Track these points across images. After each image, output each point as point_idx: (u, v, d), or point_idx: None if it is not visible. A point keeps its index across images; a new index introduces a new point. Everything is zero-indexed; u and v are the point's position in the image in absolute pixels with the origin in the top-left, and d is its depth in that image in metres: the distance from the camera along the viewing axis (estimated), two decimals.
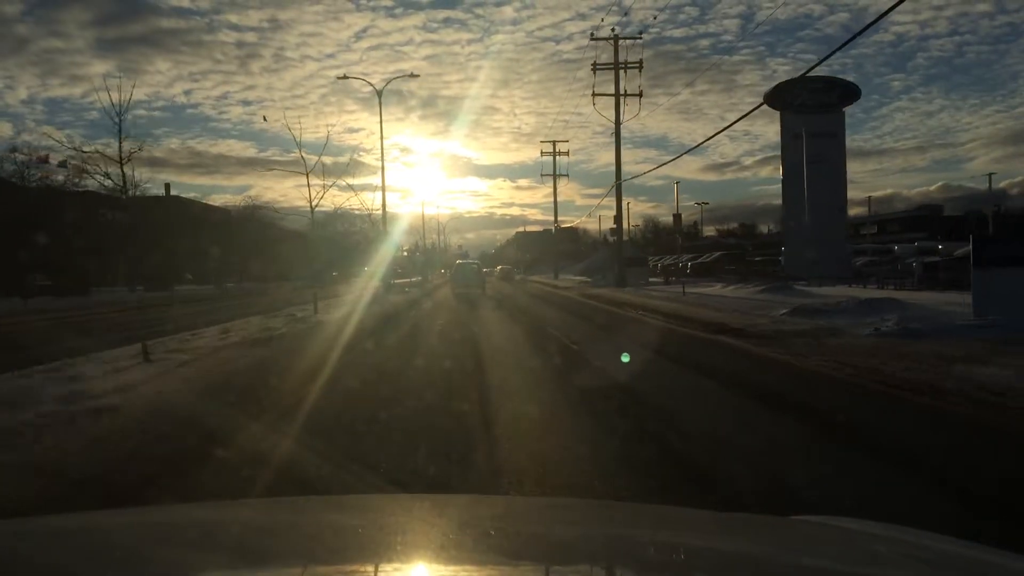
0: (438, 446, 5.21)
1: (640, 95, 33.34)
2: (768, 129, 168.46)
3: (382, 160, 33.24)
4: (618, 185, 34.63)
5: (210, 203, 68.36)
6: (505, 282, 59.66)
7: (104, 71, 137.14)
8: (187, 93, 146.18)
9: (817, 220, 29.17)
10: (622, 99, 33.82)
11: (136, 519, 1.82)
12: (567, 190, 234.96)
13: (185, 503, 3.25)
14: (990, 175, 55.23)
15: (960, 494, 4.28)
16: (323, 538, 1.52)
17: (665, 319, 17.25)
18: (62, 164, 58.56)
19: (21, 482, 4.05)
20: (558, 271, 64.72)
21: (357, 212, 28.35)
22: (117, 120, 31.16)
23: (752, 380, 8.65)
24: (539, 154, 55.41)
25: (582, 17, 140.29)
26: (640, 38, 33.13)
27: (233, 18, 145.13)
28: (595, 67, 33.53)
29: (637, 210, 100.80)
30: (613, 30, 33.14)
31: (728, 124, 70.49)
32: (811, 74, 29.42)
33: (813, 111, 33.70)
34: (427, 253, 76.50)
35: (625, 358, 10.32)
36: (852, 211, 48.53)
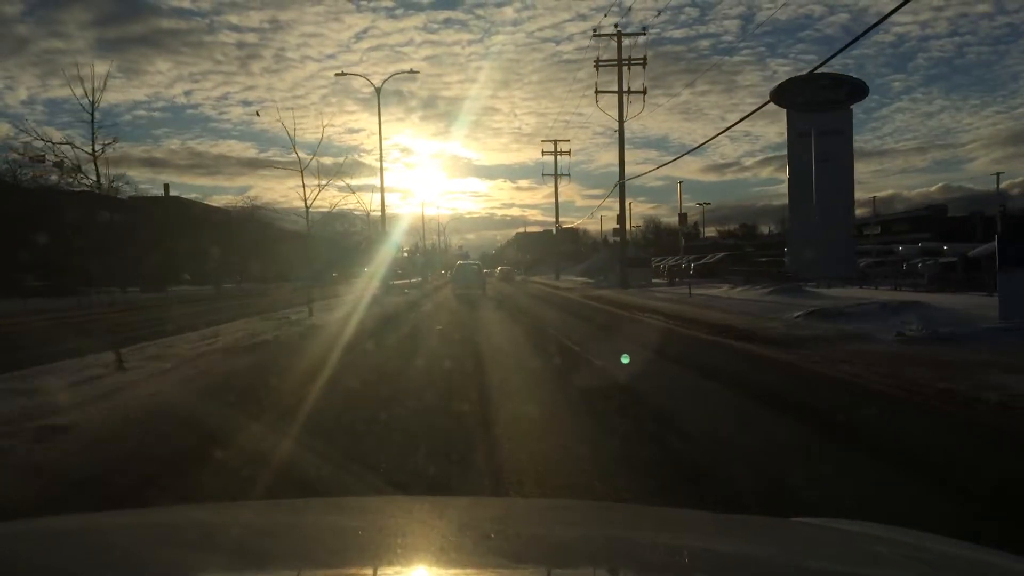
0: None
1: (644, 92, 32.69)
2: (768, 130, 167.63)
3: (380, 159, 32.59)
4: (621, 184, 33.97)
5: (209, 204, 67.83)
6: (505, 283, 59.21)
7: (104, 71, 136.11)
8: (187, 94, 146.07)
9: (823, 220, 28.45)
10: (625, 96, 33.13)
11: (136, 520, 1.80)
12: (567, 191, 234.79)
13: (185, 504, 3.18)
14: (997, 174, 54.63)
15: None
16: (322, 540, 1.50)
17: (674, 322, 16.58)
18: (58, 164, 58.06)
19: None
20: (559, 272, 64.02)
21: (357, 213, 27.60)
22: (89, 110, 28.87)
23: (786, 394, 7.96)
24: (540, 154, 54.93)
25: (582, 18, 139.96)
26: (644, 34, 32.47)
27: (234, 19, 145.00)
28: (598, 64, 32.88)
29: (638, 211, 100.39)
30: (616, 26, 32.48)
31: (732, 123, 69.59)
32: (817, 71, 28.83)
33: (820, 109, 33.00)
34: (427, 254, 75.86)
35: (636, 365, 9.69)
36: (855, 211, 47.72)
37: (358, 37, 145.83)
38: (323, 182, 17.68)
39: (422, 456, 4.84)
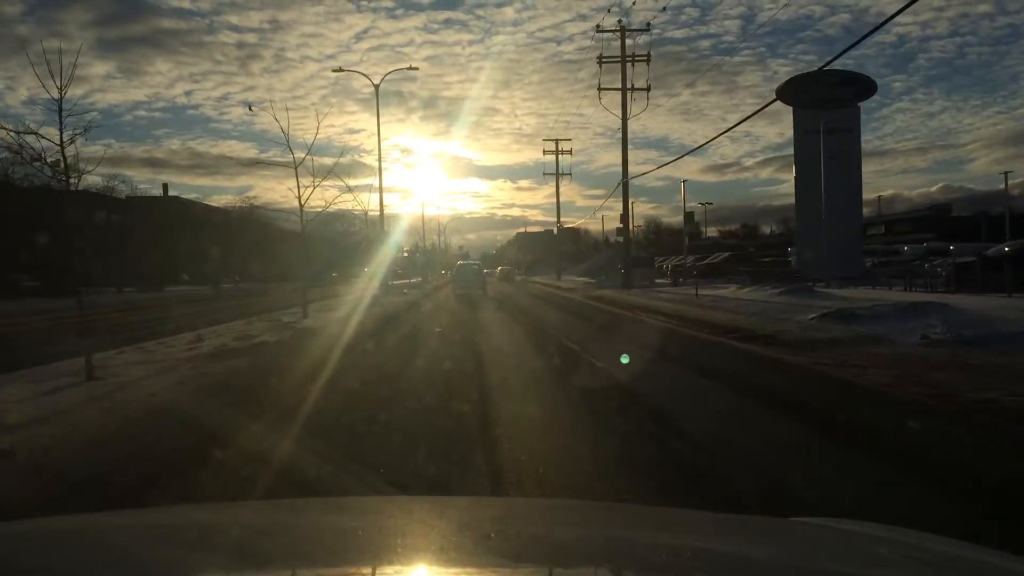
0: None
1: (648, 89, 32.04)
2: (769, 130, 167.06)
3: (379, 157, 32.00)
4: (625, 183, 33.33)
5: (208, 203, 67.26)
6: (506, 283, 58.95)
7: (105, 72, 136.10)
8: (188, 94, 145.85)
9: (831, 219, 27.83)
10: (629, 93, 32.51)
11: (136, 520, 1.80)
12: (568, 191, 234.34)
13: (185, 504, 3.11)
14: (1006, 173, 53.73)
15: None
16: (322, 540, 1.49)
17: (683, 324, 15.97)
18: (54, 163, 57.54)
19: None
20: (560, 272, 63.39)
21: (356, 213, 27.01)
22: (57, 96, 27.32)
23: (815, 406, 7.34)
24: (540, 155, 54.55)
25: (583, 18, 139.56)
26: (648, 30, 31.81)
27: (234, 19, 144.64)
28: (601, 60, 32.22)
29: (638, 211, 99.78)
30: (620, 21, 31.84)
31: (736, 123, 68.82)
32: (824, 68, 28.21)
33: (827, 106, 32.40)
34: (427, 254, 75.26)
35: (647, 371, 9.09)
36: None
37: (358, 37, 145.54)
38: (318, 180, 17.04)
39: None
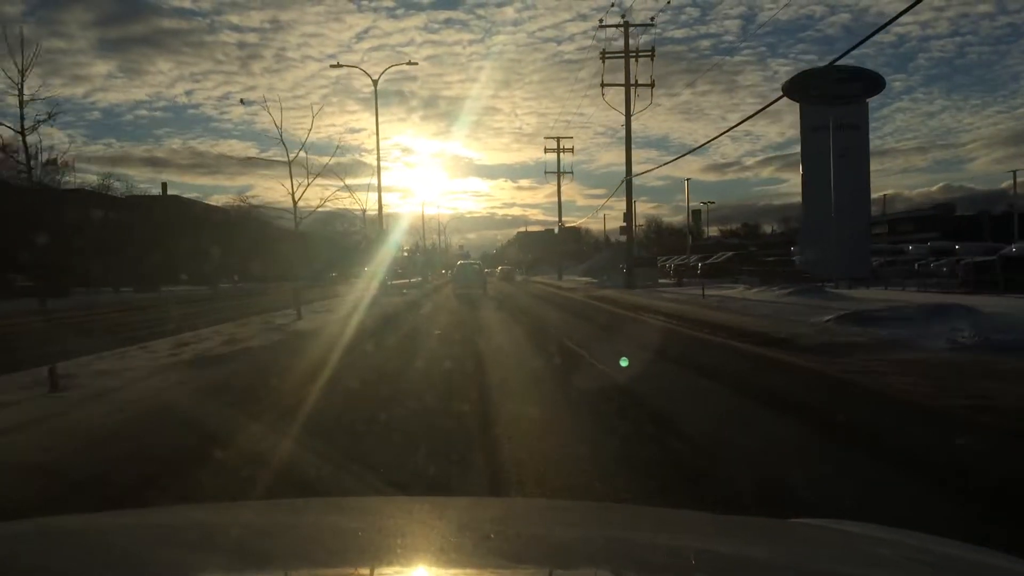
0: None
1: (652, 85, 31.39)
2: (770, 129, 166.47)
3: (378, 154, 31.40)
4: (628, 180, 32.68)
5: (207, 203, 66.68)
6: (506, 283, 58.73)
7: (106, 71, 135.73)
8: (188, 93, 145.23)
9: (839, 218, 27.18)
10: (632, 90, 31.86)
11: (135, 520, 1.79)
12: (568, 191, 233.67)
13: (184, 504, 3.06)
14: (1014, 172, 53.08)
15: None
16: (322, 540, 1.48)
17: (692, 327, 15.33)
18: (51, 162, 57.03)
19: None
20: (562, 271, 62.75)
21: (356, 212, 26.42)
22: (18, 80, 25.91)
23: (849, 420, 6.70)
24: (541, 154, 54.03)
25: (583, 18, 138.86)
26: (652, 24, 31.14)
27: (234, 19, 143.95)
28: (604, 55, 31.56)
29: (639, 210, 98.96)
30: (623, 16, 31.19)
31: (739, 121, 67.99)
32: (831, 64, 27.54)
33: (834, 102, 31.75)
34: (427, 253, 74.67)
35: (661, 379, 8.48)
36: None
37: (359, 37, 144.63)
38: (313, 177, 16.43)
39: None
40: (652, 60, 31.47)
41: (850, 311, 14.25)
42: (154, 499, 3.86)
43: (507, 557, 1.40)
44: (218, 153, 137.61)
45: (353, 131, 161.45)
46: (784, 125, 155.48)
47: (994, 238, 45.24)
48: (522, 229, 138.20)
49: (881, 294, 20.89)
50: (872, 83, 33.61)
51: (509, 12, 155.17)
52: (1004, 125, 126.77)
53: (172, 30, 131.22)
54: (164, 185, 65.77)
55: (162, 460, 4.69)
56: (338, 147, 20.32)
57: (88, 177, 58.02)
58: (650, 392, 7.86)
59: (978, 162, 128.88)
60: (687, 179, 62.07)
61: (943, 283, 21.64)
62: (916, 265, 30.11)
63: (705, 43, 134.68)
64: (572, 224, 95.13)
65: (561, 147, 54.58)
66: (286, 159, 16.24)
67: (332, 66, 30.61)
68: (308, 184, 16.16)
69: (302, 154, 16.37)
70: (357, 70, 68.74)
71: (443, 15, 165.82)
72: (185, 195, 67.12)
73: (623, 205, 34.63)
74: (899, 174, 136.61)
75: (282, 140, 15.96)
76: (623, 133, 32.72)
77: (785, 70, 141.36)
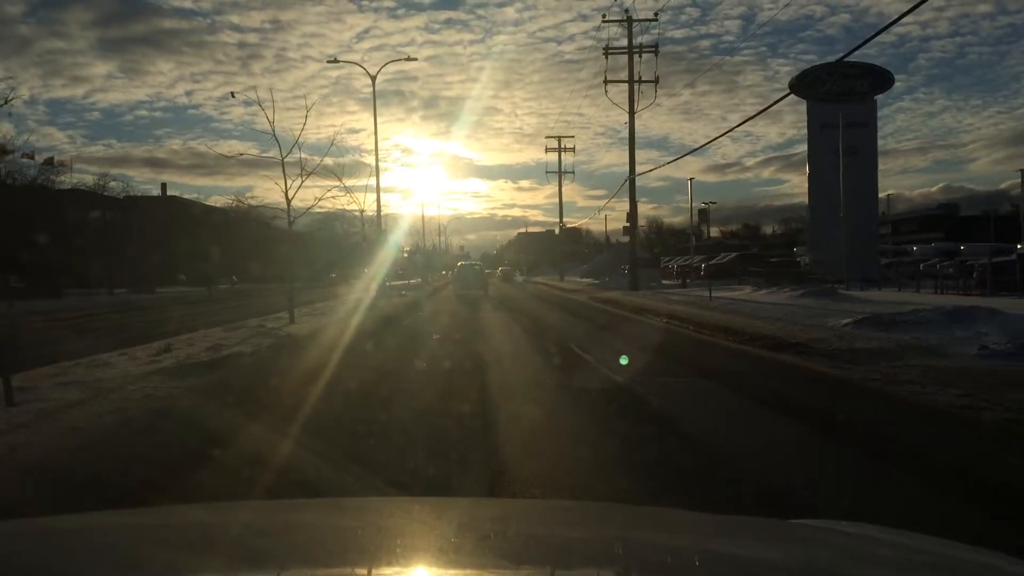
0: None
1: (656, 81, 30.74)
2: (770, 130, 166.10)
3: (376, 151, 30.79)
4: (632, 179, 32.03)
5: (206, 203, 66.07)
6: (506, 283, 58.44)
7: (106, 72, 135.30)
8: (188, 94, 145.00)
9: (847, 217, 26.56)
10: (636, 86, 31.21)
11: (135, 520, 1.78)
12: (569, 192, 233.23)
13: (184, 504, 2.98)
14: (1022, 171, 52.44)
15: None
16: (322, 540, 1.47)
17: (703, 330, 14.71)
18: (48, 162, 56.45)
19: None
20: (563, 272, 62.09)
21: (353, 211, 25.80)
22: None
23: (891, 434, 6.10)
24: (541, 154, 53.62)
25: (584, 18, 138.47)
26: (656, 20, 30.47)
27: (235, 19, 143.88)
28: (607, 51, 30.92)
29: (640, 211, 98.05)
30: (626, 11, 30.56)
31: (742, 121, 67.22)
32: (838, 60, 26.97)
33: (842, 99, 31.13)
34: (427, 255, 74.04)
35: (679, 390, 7.86)
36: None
37: (359, 37, 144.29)
38: (307, 175, 15.81)
39: None
40: (656, 56, 30.86)
41: (868, 314, 13.62)
42: None
43: (507, 557, 1.39)
44: (217, 154, 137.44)
45: (353, 131, 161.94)
46: (784, 125, 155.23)
47: (1001, 238, 44.67)
48: (522, 230, 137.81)
49: (895, 295, 20.25)
50: (881, 79, 33.04)
51: (510, 12, 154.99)
52: (1005, 125, 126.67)
53: (172, 30, 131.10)
54: (164, 186, 65.35)
55: (84, 507, 3.87)
56: (334, 143, 20.01)
57: (85, 177, 57.43)
58: (682, 413, 7.24)
59: (979, 163, 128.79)
60: (690, 179, 61.58)
61: (957, 284, 20.95)
62: (921, 266, 29.51)
63: (705, 43, 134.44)
64: (573, 225, 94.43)
65: (562, 146, 53.97)
66: (281, 156, 15.58)
67: (329, 61, 30.16)
68: (302, 182, 15.51)
69: (300, 153, 15.69)
70: (356, 69, 68.09)
71: (443, 15, 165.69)
72: (185, 196, 66.54)
73: (624, 206, 34.06)
74: (899, 175, 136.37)
75: (274, 136, 15.32)
76: (623, 134, 32.14)
77: (786, 70, 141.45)
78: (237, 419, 5.60)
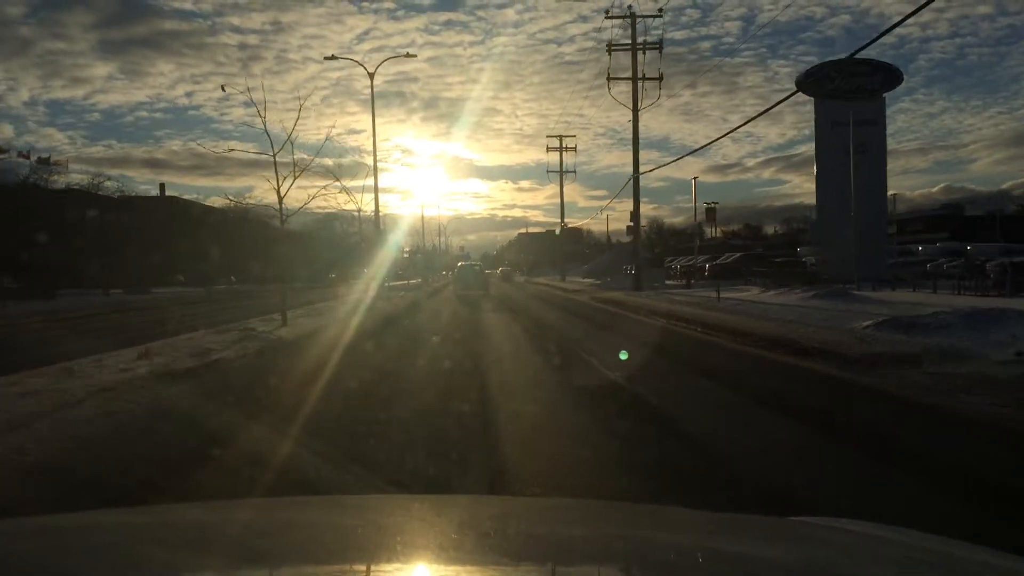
0: None
1: (660, 78, 30.07)
2: (770, 130, 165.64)
3: (374, 149, 30.18)
4: (636, 177, 31.36)
5: (205, 203, 65.47)
6: (506, 283, 58.16)
7: (107, 73, 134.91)
8: (189, 95, 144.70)
9: (857, 216, 25.93)
10: (640, 84, 30.54)
11: (134, 519, 1.77)
12: (569, 192, 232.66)
13: (183, 503, 2.89)
14: None
15: None
16: (321, 538, 1.45)
17: (714, 333, 14.07)
18: (44, 161, 55.84)
19: None
20: (565, 272, 61.44)
21: (350, 210, 25.20)
22: None
23: (942, 451, 5.46)
24: (541, 155, 53.25)
25: (584, 19, 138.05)
26: (660, 15, 29.74)
27: (235, 20, 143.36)
28: (611, 47, 30.25)
29: (640, 211, 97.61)
30: (630, 7, 29.88)
31: (748, 119, 66.35)
32: (846, 58, 26.31)
33: (851, 97, 30.51)
34: (427, 255, 73.45)
35: (697, 399, 7.24)
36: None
37: (360, 38, 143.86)
38: (300, 171, 15.19)
39: None
40: (660, 53, 30.19)
41: (889, 317, 12.96)
42: None
43: (507, 555, 1.38)
44: (213, 152, 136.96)
45: (353, 132, 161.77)
46: (785, 126, 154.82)
47: (1007, 238, 44.09)
48: (522, 230, 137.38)
49: (910, 296, 19.59)
50: (890, 76, 32.42)
51: (510, 14, 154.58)
52: (1005, 126, 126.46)
53: (173, 32, 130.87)
54: (162, 186, 64.82)
55: None
56: (328, 138, 19.60)
57: (82, 178, 56.79)
58: (688, 416, 6.61)
59: (979, 163, 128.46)
60: (694, 178, 60.70)
61: (974, 285, 20.29)
62: (928, 266, 28.94)
63: (705, 45, 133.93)
64: (574, 225, 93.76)
65: (564, 145, 53.32)
66: (286, 158, 15.03)
67: (327, 58, 29.42)
68: (295, 179, 14.87)
69: (292, 150, 15.06)
70: (356, 71, 67.55)
71: (443, 16, 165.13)
72: (184, 196, 66.07)
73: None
74: (900, 175, 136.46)
75: (266, 131, 14.69)
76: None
77: (786, 71, 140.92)
78: (202, 446, 4.91)
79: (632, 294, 29.01)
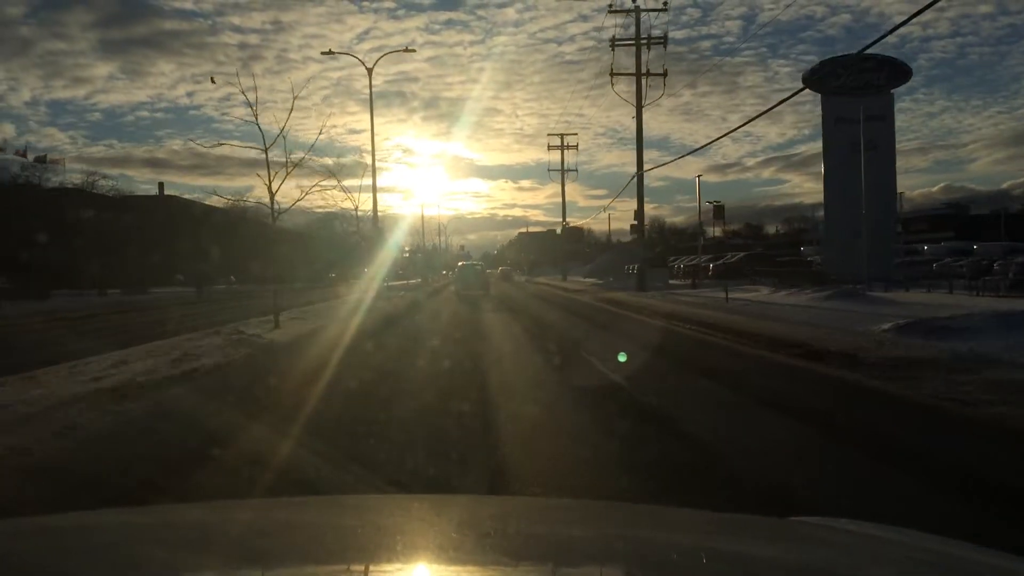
0: None
1: (664, 74, 29.46)
2: (770, 130, 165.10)
3: (372, 149, 29.60)
4: (640, 176, 30.76)
5: (204, 202, 64.92)
6: (506, 283, 57.73)
7: (107, 73, 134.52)
8: (189, 95, 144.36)
9: (866, 215, 25.28)
10: (644, 80, 29.93)
11: (134, 519, 1.76)
12: (570, 191, 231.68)
13: (182, 503, 2.93)
14: None
15: None
16: (321, 538, 1.45)
17: (724, 336, 13.46)
18: (40, 160, 55.30)
19: None
20: (566, 272, 60.83)
21: (348, 208, 24.66)
22: None
23: (999, 478, 4.86)
24: (541, 155, 52.45)
25: (584, 19, 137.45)
26: (665, 9, 29.07)
27: (236, 20, 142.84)
28: (614, 42, 29.62)
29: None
30: (634, 2, 29.25)
31: (753, 117, 65.64)
32: (854, 53, 25.71)
33: (858, 93, 29.86)
34: (428, 254, 72.90)
35: (715, 412, 6.65)
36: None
37: (360, 38, 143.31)
38: (292, 166, 14.68)
39: None
40: (664, 48, 29.58)
41: (910, 319, 12.35)
42: None
43: (507, 555, 1.37)
44: (219, 154, 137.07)
45: (354, 132, 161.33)
46: (784, 126, 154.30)
47: (1013, 237, 43.51)
48: (523, 230, 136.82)
49: (925, 297, 18.99)
50: (898, 72, 31.72)
51: (510, 13, 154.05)
52: (1005, 126, 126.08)
53: (173, 31, 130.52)
54: (161, 185, 64.19)
55: None
56: (322, 131, 19.02)
57: (78, 177, 56.31)
58: (709, 431, 6.01)
59: (979, 163, 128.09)
60: (698, 176, 60.07)
61: (991, 285, 19.68)
62: (935, 265, 28.33)
63: (706, 44, 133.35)
64: (575, 225, 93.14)
65: (566, 143, 52.72)
66: (284, 158, 14.59)
67: (323, 53, 28.81)
68: (287, 175, 14.38)
69: (285, 145, 14.58)
70: (357, 71, 66.99)
71: (444, 16, 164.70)
72: (184, 196, 65.54)
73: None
74: (900, 175, 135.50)
75: (257, 125, 14.16)
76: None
77: (786, 71, 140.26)
78: (161, 477, 4.29)
79: (637, 295, 28.39)
